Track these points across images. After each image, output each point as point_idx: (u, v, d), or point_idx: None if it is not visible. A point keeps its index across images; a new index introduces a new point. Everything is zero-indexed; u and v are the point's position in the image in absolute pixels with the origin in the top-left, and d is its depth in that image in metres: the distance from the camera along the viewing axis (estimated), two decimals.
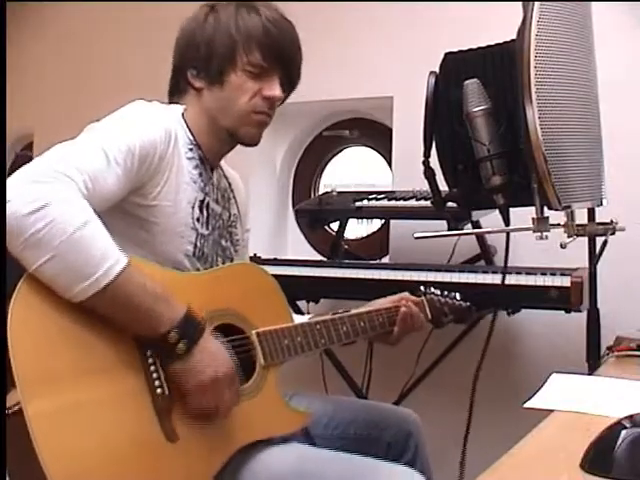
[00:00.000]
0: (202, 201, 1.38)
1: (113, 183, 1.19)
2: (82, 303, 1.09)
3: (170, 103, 1.45)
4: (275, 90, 1.39)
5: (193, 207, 1.36)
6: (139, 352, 1.17)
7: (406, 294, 1.61)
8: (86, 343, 1.12)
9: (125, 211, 1.27)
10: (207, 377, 1.18)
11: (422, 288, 1.65)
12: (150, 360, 1.18)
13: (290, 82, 1.45)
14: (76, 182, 1.12)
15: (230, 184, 1.54)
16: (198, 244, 1.37)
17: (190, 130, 1.39)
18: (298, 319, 1.50)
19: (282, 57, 1.39)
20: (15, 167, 1.14)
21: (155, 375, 1.17)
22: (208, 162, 1.42)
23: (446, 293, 1.67)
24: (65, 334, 1.10)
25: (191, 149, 1.38)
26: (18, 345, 1.04)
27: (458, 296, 1.67)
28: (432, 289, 1.66)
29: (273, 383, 1.36)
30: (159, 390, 1.17)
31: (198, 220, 1.37)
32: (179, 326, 1.15)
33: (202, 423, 1.21)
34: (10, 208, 1.05)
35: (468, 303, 1.67)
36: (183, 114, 1.40)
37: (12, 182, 1.08)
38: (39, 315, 1.08)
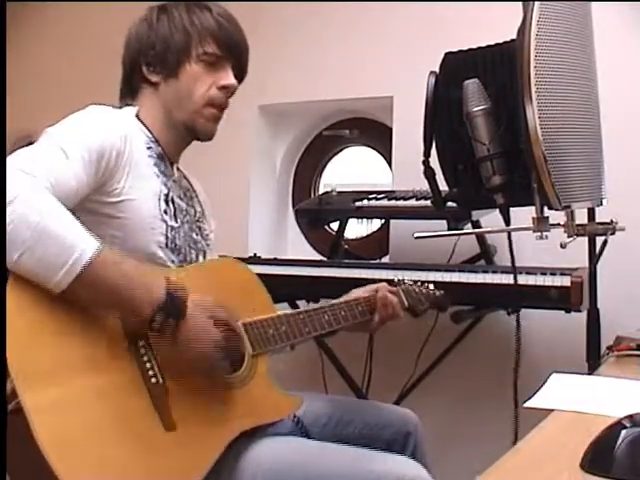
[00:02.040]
0: (167, 194, 1.40)
1: (73, 179, 1.21)
2: (64, 293, 1.10)
3: (121, 107, 1.47)
4: (230, 79, 1.44)
5: (159, 199, 1.37)
6: (131, 343, 1.18)
7: (383, 284, 1.64)
8: (79, 336, 1.13)
9: (91, 211, 1.28)
10: (202, 342, 1.20)
11: (396, 279, 1.70)
12: (142, 350, 1.19)
13: (241, 73, 1.49)
14: (38, 178, 1.14)
15: (192, 185, 1.57)
16: (169, 235, 1.38)
17: (147, 128, 1.42)
18: None
19: (235, 47, 1.45)
20: None
21: (148, 365, 1.18)
22: (168, 158, 1.45)
23: (420, 283, 1.73)
24: (58, 327, 1.11)
25: (150, 147, 1.40)
26: (12, 339, 1.04)
27: (432, 286, 1.74)
28: (406, 279, 1.72)
29: (263, 371, 1.38)
30: (153, 380, 1.18)
31: (166, 212, 1.38)
32: (163, 306, 1.16)
33: (200, 407, 1.23)
34: None
35: (442, 291, 1.75)
36: (137, 115, 1.43)
37: None
38: (32, 309, 1.09)
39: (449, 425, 2.55)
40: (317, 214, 2.60)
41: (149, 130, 1.42)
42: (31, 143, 1.20)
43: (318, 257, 2.99)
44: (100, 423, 1.09)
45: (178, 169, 1.53)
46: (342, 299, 1.57)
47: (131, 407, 1.14)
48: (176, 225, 1.40)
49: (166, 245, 1.37)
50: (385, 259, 2.81)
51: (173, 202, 1.41)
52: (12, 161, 1.15)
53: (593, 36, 1.37)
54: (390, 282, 1.68)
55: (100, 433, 1.09)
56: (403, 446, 1.54)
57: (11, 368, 1.03)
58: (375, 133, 2.99)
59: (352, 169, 3.23)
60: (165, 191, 1.40)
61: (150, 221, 1.34)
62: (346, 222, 2.67)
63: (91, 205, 1.28)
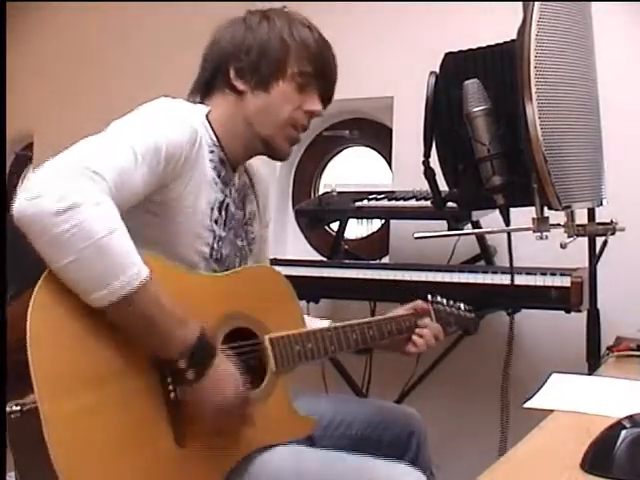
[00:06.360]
0: (222, 202, 1.36)
1: (140, 181, 1.16)
2: (98, 309, 1.07)
3: (190, 101, 1.40)
4: (317, 105, 1.39)
5: (212, 209, 1.33)
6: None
7: (419, 302, 1.61)
8: (102, 344, 1.10)
9: (143, 209, 1.24)
10: (216, 404, 1.17)
11: (429, 297, 1.65)
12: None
13: (327, 101, 1.43)
14: (107, 181, 1.09)
15: (251, 179, 1.51)
16: (215, 246, 1.34)
17: (214, 131, 1.36)
18: (317, 323, 1.51)
19: (327, 73, 1.40)
20: (15, 167, 1.13)
21: (169, 380, 1.16)
22: (230, 164, 1.39)
23: (452, 303, 1.67)
24: (82, 334, 1.09)
25: (212, 151, 1.35)
26: (37, 343, 1.03)
27: (463, 306, 1.68)
28: (439, 298, 1.66)
29: (283, 389, 1.36)
30: (172, 395, 1.16)
31: (216, 222, 1.34)
32: (191, 351, 1.13)
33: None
34: (38, 205, 1.02)
35: (473, 315, 1.69)
36: (207, 115, 1.37)
37: (40, 176, 1.05)
38: (58, 315, 1.07)
39: (449, 425, 2.54)
40: (317, 214, 2.60)
41: (215, 134, 1.36)
42: (31, 145, 1.19)
43: (318, 257, 2.99)
44: (112, 434, 1.08)
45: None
46: (374, 318, 1.54)
47: (146, 420, 1.13)
48: (224, 234, 1.37)
49: (210, 255, 1.33)
50: (385, 259, 2.81)
51: (227, 210, 1.37)
52: (79, 153, 1.10)
53: (593, 36, 1.37)
54: (424, 298, 1.63)
55: (111, 445, 1.08)
56: (406, 446, 1.53)
57: (33, 372, 1.01)
58: (375, 133, 2.99)
59: (352, 169, 3.24)
60: (220, 199, 1.35)
61: (198, 231, 1.31)
62: (346, 222, 2.67)
63: (144, 204, 1.23)
